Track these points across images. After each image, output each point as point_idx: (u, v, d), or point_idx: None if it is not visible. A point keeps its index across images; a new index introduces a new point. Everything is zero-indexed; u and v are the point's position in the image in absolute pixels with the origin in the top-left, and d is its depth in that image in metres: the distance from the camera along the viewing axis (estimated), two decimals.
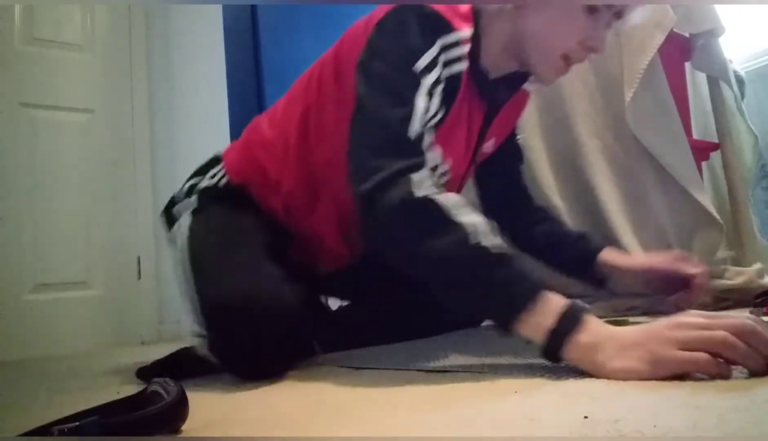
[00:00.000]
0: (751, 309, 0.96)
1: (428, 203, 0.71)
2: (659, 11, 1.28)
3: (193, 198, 1.06)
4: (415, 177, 0.73)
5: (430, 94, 0.82)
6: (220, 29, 1.93)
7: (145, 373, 0.99)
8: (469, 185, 1.20)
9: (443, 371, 0.73)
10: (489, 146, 1.10)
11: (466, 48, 0.88)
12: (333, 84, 0.97)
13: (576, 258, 1.12)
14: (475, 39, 0.90)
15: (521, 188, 1.22)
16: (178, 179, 2.42)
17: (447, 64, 0.86)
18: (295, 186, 1.01)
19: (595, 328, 0.62)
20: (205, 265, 0.92)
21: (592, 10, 0.87)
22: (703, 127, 1.58)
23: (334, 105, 0.97)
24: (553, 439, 0.41)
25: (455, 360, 0.81)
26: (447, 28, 0.86)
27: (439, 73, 0.84)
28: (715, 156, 1.50)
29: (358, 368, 0.85)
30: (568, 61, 0.91)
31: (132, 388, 0.61)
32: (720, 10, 1.38)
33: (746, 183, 1.46)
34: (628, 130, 1.33)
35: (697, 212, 1.29)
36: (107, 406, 0.56)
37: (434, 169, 0.80)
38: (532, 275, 0.67)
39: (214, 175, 1.07)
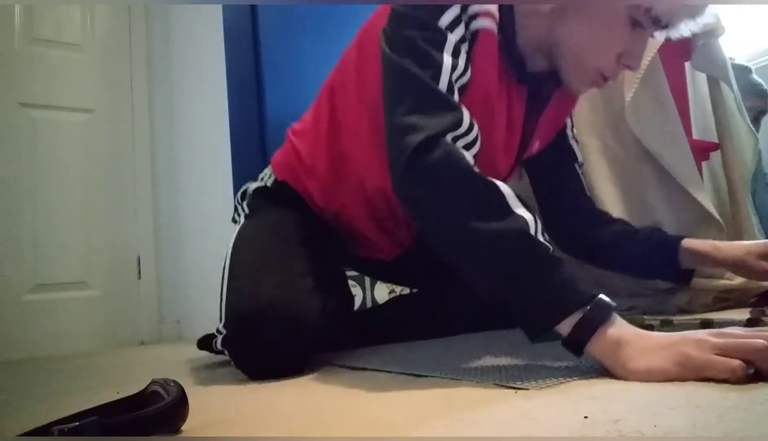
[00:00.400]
0: (751, 309, 0.96)
1: (490, 183, 0.69)
2: None
3: (246, 202, 1.10)
4: (464, 151, 0.71)
5: (457, 51, 0.79)
6: (220, 29, 1.93)
7: (204, 342, 1.07)
8: None
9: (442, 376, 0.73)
10: (535, 145, 1.04)
11: (489, 6, 0.84)
12: (355, 58, 0.97)
13: (655, 249, 1.02)
14: (509, 25, 0.86)
15: (580, 189, 1.13)
16: (178, 179, 2.44)
17: (468, 21, 0.82)
18: (326, 169, 1.02)
19: (622, 325, 0.61)
20: (239, 270, 0.93)
21: (635, 24, 0.82)
22: (703, 127, 1.58)
23: (356, 77, 0.96)
24: (553, 439, 0.41)
25: (455, 363, 0.81)
26: None
27: (463, 32, 0.81)
28: (715, 156, 1.50)
29: (354, 369, 0.85)
30: (602, 75, 0.87)
31: (132, 388, 0.61)
32: (720, 10, 1.38)
33: (746, 183, 1.45)
34: (628, 130, 1.33)
35: (697, 212, 1.28)
36: (107, 406, 0.56)
37: (469, 130, 0.76)
38: (582, 281, 0.64)
39: (263, 177, 1.11)
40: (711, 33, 1.37)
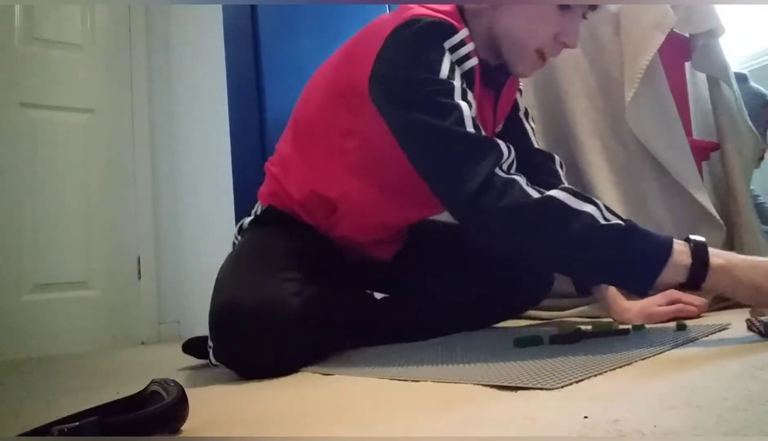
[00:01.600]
0: (751, 310, 0.96)
1: (549, 201, 0.76)
2: (659, 11, 1.28)
3: (239, 235, 1.13)
4: (514, 177, 0.78)
5: (465, 93, 0.85)
6: (220, 29, 1.93)
7: (189, 346, 1.12)
8: None
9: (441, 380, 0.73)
10: (498, 128, 1.14)
11: (471, 45, 0.91)
12: (332, 104, 0.99)
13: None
14: (473, 35, 0.93)
15: (532, 151, 1.20)
16: (178, 179, 2.44)
17: (459, 63, 0.89)
18: (303, 194, 1.05)
19: (723, 253, 0.74)
20: (220, 280, 0.95)
21: (564, 6, 0.90)
22: (703, 127, 1.58)
23: (332, 124, 1.00)
24: (553, 439, 0.41)
25: (454, 364, 0.81)
26: (449, 30, 0.89)
27: (460, 77, 0.87)
28: (715, 156, 1.50)
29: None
30: (542, 55, 0.95)
31: (132, 388, 0.61)
32: (720, 10, 1.38)
33: (746, 183, 1.45)
34: (628, 130, 1.33)
35: (697, 212, 1.28)
36: (107, 406, 0.56)
37: (508, 153, 0.82)
38: (658, 234, 0.75)
39: (255, 210, 1.13)
40: (711, 33, 1.37)
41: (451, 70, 0.85)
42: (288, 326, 0.85)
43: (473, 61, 0.91)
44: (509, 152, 0.82)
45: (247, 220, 1.13)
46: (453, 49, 0.88)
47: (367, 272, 1.17)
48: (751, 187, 1.54)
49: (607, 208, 0.77)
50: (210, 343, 0.90)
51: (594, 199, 0.78)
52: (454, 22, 0.90)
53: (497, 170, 0.77)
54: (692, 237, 0.74)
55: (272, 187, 1.09)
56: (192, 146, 2.29)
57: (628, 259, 0.74)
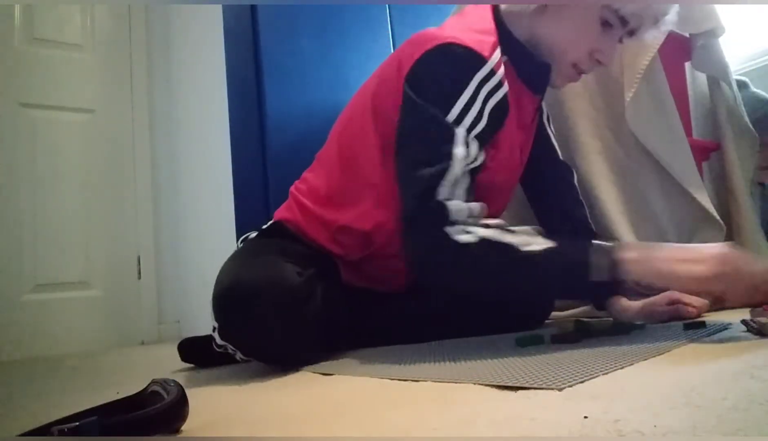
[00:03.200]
0: (751, 309, 0.96)
1: (481, 244, 0.77)
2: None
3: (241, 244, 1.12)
4: (452, 229, 0.79)
5: (467, 142, 0.84)
6: (220, 29, 1.93)
7: (185, 350, 1.13)
8: None
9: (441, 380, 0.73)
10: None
11: (501, 72, 0.90)
12: (373, 132, 0.99)
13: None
14: (511, 40, 0.94)
15: (559, 163, 1.26)
16: (178, 179, 2.44)
17: (489, 95, 0.88)
18: (357, 245, 1.03)
19: (641, 245, 0.82)
20: (221, 272, 0.95)
21: (606, 24, 0.92)
22: (703, 127, 1.58)
23: (377, 152, 0.99)
24: (553, 439, 0.41)
25: (454, 364, 0.81)
26: (480, 61, 0.88)
27: (479, 109, 0.86)
28: (715, 156, 1.50)
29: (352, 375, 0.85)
30: (577, 69, 0.96)
31: (132, 388, 0.61)
32: (720, 10, 1.38)
33: (746, 183, 1.45)
34: (628, 130, 1.33)
35: (697, 212, 1.29)
36: (107, 406, 0.56)
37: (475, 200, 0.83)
38: (575, 244, 0.79)
39: (265, 227, 1.10)
40: (711, 33, 1.37)
41: (467, 108, 0.85)
42: (291, 301, 0.85)
43: (504, 90, 0.90)
44: (470, 213, 0.81)
45: (253, 234, 1.11)
46: (483, 82, 0.88)
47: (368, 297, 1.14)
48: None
49: (538, 231, 0.82)
50: (214, 323, 0.89)
51: (520, 229, 0.81)
52: (485, 48, 0.89)
53: (446, 228, 0.79)
54: (597, 242, 0.78)
55: (295, 214, 1.07)
56: (192, 146, 2.29)
57: (557, 280, 0.78)
